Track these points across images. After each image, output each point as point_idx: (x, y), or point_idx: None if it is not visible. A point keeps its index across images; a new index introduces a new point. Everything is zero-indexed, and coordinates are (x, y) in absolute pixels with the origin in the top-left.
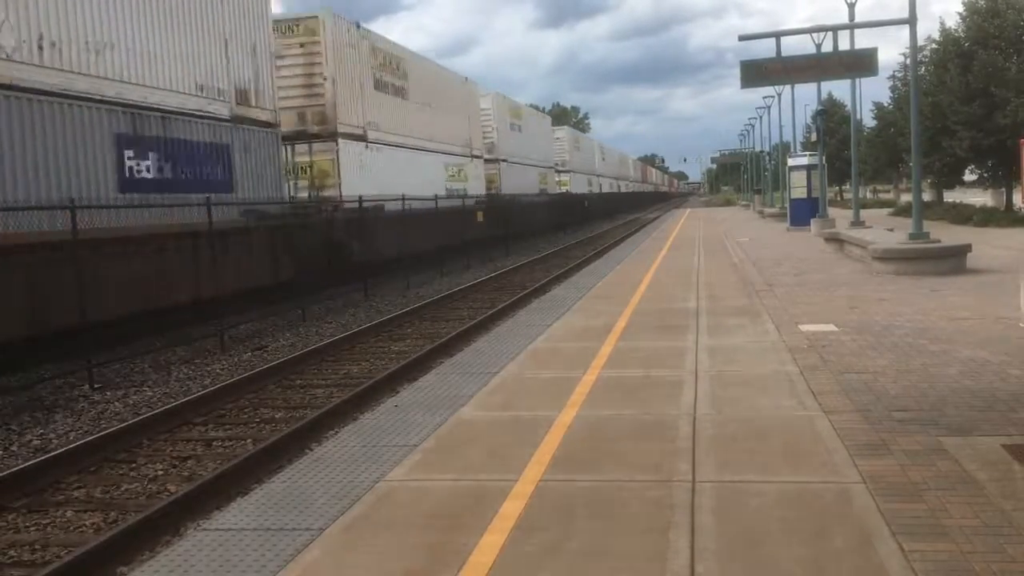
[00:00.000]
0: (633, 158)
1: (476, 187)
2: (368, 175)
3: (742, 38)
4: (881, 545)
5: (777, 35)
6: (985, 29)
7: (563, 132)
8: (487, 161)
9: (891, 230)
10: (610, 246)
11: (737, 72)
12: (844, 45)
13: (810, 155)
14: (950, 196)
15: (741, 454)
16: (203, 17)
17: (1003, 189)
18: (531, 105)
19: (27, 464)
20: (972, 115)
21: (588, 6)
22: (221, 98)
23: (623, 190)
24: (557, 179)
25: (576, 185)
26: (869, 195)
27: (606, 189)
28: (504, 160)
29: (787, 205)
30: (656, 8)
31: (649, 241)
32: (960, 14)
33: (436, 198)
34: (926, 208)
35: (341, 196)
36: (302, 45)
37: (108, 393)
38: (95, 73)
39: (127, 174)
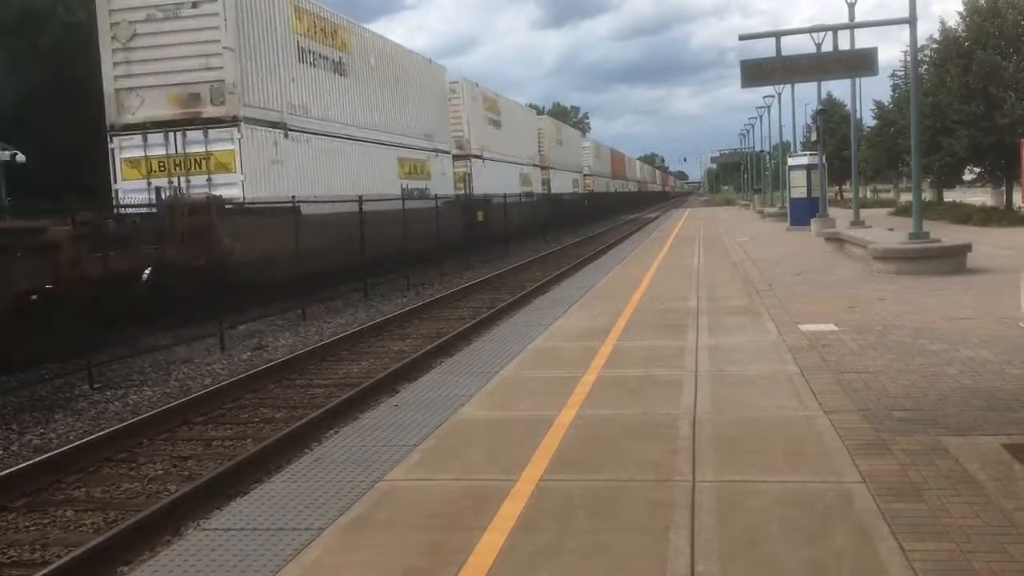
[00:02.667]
0: (596, 142)
1: (536, 187)
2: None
3: (742, 37)
4: (881, 545)
5: (777, 35)
6: (985, 29)
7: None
8: (541, 168)
9: (891, 230)
10: (610, 246)
11: (738, 72)
12: (844, 45)
13: (810, 155)
14: (950, 195)
15: (741, 454)
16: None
17: (1003, 188)
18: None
19: (27, 464)
20: (971, 114)
21: (591, 5)
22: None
23: (556, 188)
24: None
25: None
26: (869, 195)
27: (511, 186)
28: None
29: (787, 205)
30: (658, 7)
31: (649, 242)
32: (960, 14)
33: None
34: (926, 208)
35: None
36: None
37: (108, 393)
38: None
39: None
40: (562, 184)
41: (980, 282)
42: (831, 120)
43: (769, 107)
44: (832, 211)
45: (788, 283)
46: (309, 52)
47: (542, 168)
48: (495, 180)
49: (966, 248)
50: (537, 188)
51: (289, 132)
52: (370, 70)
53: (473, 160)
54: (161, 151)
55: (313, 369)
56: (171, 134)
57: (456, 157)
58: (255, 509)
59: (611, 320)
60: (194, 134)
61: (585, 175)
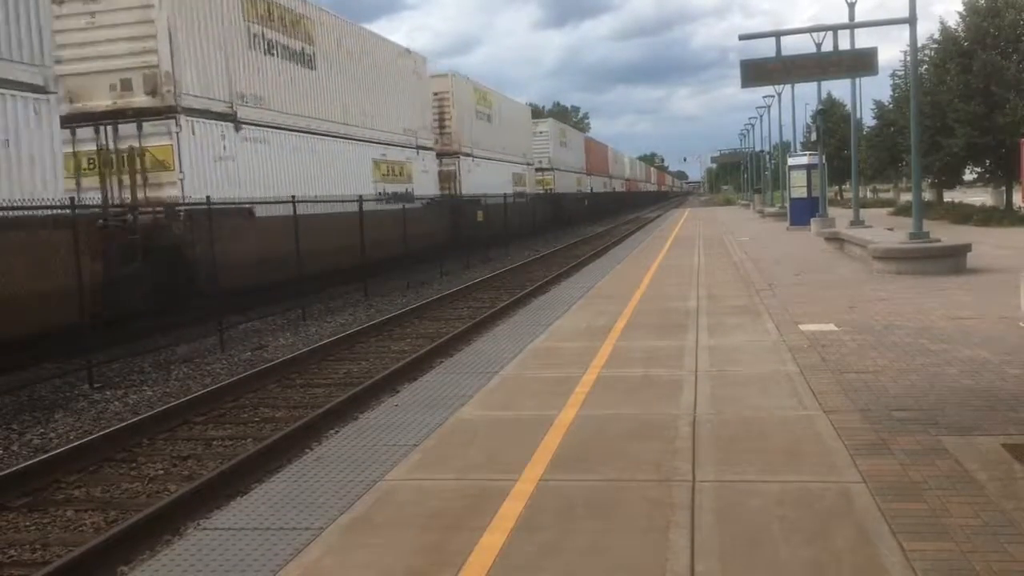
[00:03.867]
0: (560, 125)
1: (427, 187)
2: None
3: (742, 37)
4: (881, 545)
5: (777, 35)
6: (985, 29)
7: None
8: (445, 156)
9: (891, 229)
10: (610, 245)
11: (738, 72)
12: (844, 44)
13: (810, 155)
14: (950, 195)
15: (741, 454)
16: None
17: (1003, 188)
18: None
19: (27, 463)
20: (971, 113)
21: (592, 6)
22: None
23: (477, 187)
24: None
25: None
26: (869, 195)
27: (365, 183)
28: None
29: (787, 204)
30: (659, 7)
31: (650, 241)
32: (960, 14)
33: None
34: (926, 208)
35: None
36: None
37: (108, 392)
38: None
39: None
40: (491, 180)
41: (980, 282)
42: (831, 120)
43: (769, 107)
44: (832, 211)
45: (788, 283)
46: None
47: (446, 155)
48: (293, 167)
49: (966, 248)
50: (430, 188)
51: None
52: None
53: (239, 129)
54: None
55: (313, 369)
56: None
57: (189, 116)
58: (255, 509)
59: (611, 320)
60: None
61: (541, 169)
